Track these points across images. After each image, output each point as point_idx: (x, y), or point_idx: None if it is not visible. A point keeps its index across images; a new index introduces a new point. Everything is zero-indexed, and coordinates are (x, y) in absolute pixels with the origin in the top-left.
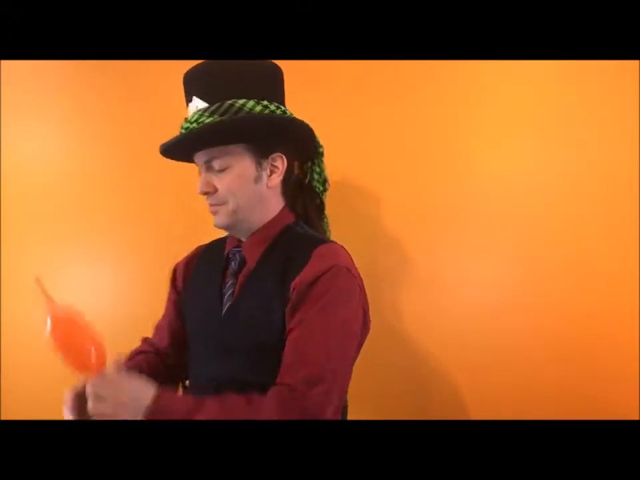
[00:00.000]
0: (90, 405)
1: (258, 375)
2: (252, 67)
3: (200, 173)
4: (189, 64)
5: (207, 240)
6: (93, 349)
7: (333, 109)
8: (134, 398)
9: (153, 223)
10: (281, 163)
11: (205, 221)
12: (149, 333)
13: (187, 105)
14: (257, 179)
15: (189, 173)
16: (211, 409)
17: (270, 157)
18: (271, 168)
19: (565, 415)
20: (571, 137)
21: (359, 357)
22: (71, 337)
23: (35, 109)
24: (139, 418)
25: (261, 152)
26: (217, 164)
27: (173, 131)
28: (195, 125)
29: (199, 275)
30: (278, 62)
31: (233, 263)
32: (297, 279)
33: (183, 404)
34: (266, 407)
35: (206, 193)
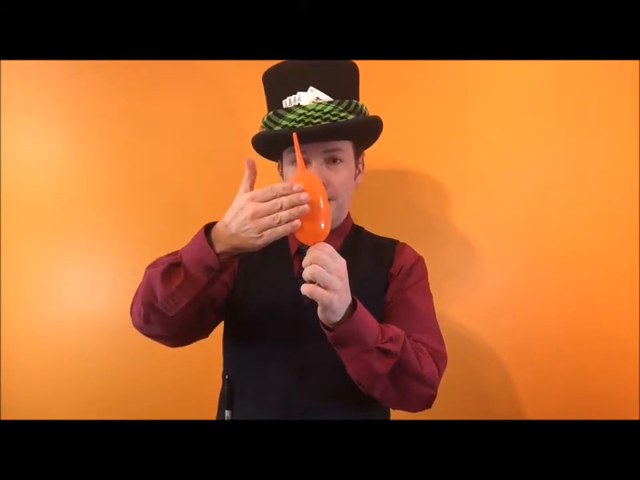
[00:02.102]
0: (317, 268)
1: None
2: (353, 67)
3: (279, 167)
4: (190, 64)
5: None
6: (324, 219)
7: None
8: (347, 285)
9: (153, 222)
10: (362, 163)
11: (204, 221)
12: None
13: (286, 95)
14: (355, 176)
15: (188, 174)
16: (396, 344)
17: (360, 158)
18: (359, 167)
19: (565, 415)
20: (571, 136)
21: None
22: (318, 196)
23: (35, 109)
24: (336, 312)
25: (359, 151)
26: (339, 156)
27: (173, 130)
28: (327, 115)
29: (256, 268)
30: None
31: None
32: (397, 265)
33: (374, 323)
34: (427, 359)
35: None
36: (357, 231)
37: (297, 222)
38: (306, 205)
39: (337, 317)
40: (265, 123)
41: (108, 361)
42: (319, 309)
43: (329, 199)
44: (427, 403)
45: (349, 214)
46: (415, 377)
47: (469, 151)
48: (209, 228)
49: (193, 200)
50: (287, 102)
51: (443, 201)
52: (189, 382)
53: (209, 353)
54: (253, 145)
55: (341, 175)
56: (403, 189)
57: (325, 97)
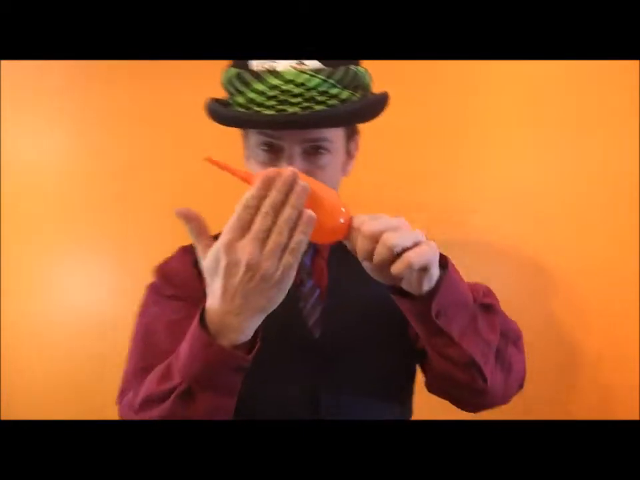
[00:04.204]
0: (390, 234)
1: (381, 370)
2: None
3: (243, 155)
4: (191, 64)
5: None
6: (343, 208)
7: None
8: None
9: (154, 222)
10: (356, 144)
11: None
12: None
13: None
14: (344, 165)
15: (190, 173)
16: (492, 297)
17: (353, 139)
18: (352, 152)
19: (565, 415)
20: (571, 136)
21: None
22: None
23: (35, 109)
24: (436, 267)
25: (352, 133)
26: (324, 145)
27: (175, 130)
28: (312, 92)
29: None
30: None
31: (305, 259)
32: None
33: (466, 289)
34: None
35: None
36: None
37: (310, 213)
38: (305, 184)
39: (437, 274)
40: (224, 86)
41: (108, 361)
42: (417, 279)
43: None
44: (521, 384)
45: None
46: (513, 342)
47: (468, 152)
48: (204, 329)
49: (195, 200)
50: (257, 62)
51: (442, 203)
52: None
53: None
54: (207, 112)
55: (325, 171)
56: (402, 190)
57: (312, 63)
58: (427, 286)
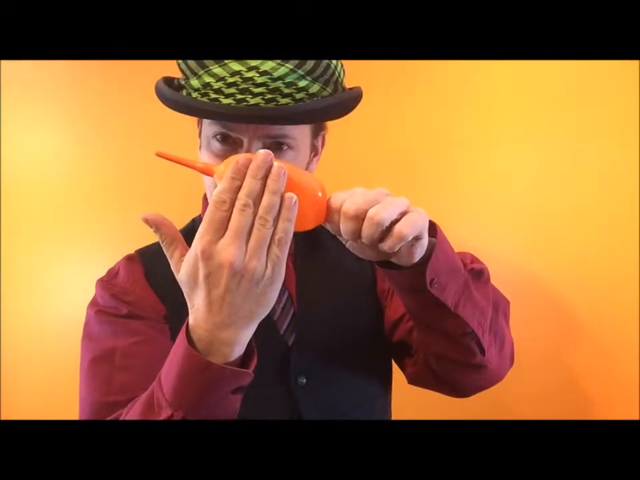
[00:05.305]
0: (376, 209)
1: (367, 379)
2: None
3: (201, 146)
4: None
5: None
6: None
7: None
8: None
9: None
10: (323, 140)
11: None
12: None
13: None
14: (308, 164)
15: (191, 173)
16: (480, 262)
17: (320, 135)
18: (318, 148)
19: (565, 415)
20: (571, 137)
21: None
22: (297, 176)
23: (35, 109)
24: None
25: (317, 130)
26: (287, 142)
27: (176, 129)
28: (277, 82)
29: None
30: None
31: None
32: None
33: (456, 254)
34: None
35: None
36: None
37: (291, 195)
38: (282, 165)
39: (427, 239)
40: (179, 66)
41: None
42: (408, 249)
43: None
44: (512, 359)
45: None
46: (503, 312)
47: (468, 152)
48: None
49: (197, 199)
50: None
51: (440, 203)
52: None
53: None
54: (156, 93)
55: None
56: (399, 189)
57: None
58: (418, 255)
